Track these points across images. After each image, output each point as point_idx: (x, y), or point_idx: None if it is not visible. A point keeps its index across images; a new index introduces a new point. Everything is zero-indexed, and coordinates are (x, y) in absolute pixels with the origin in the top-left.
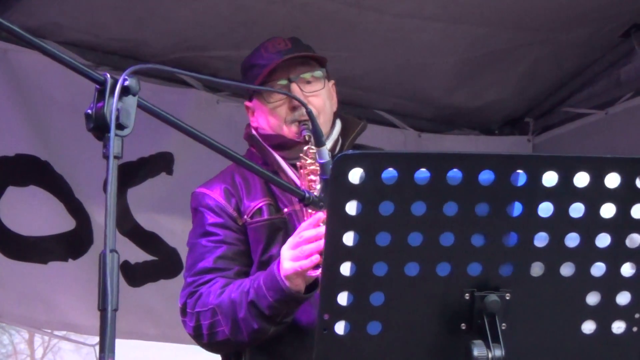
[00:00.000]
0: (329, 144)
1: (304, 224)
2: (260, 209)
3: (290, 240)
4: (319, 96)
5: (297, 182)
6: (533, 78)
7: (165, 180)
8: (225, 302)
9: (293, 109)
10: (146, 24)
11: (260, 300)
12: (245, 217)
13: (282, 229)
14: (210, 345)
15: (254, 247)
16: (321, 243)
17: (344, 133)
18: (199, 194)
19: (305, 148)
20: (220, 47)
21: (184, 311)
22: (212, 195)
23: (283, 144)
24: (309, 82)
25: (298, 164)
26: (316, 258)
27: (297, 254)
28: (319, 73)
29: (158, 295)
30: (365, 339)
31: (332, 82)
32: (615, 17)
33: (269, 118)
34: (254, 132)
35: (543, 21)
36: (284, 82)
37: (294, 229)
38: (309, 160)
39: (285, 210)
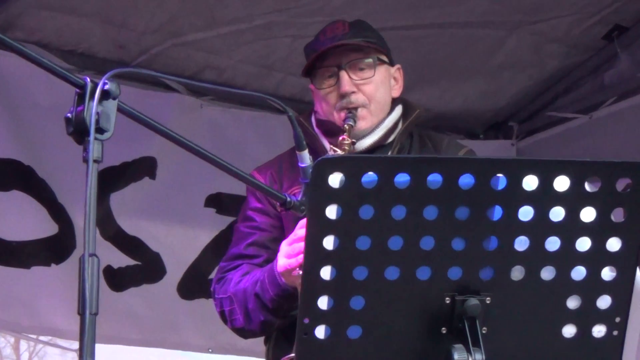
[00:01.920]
0: (379, 132)
1: (301, 222)
2: (294, 195)
3: (289, 237)
4: (370, 83)
5: None
6: (517, 83)
7: (148, 185)
8: (240, 291)
9: (342, 96)
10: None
11: (264, 294)
12: None
13: None
14: (234, 330)
15: (288, 232)
16: None
17: (404, 120)
18: (251, 176)
19: (340, 139)
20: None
21: (213, 296)
22: (259, 178)
23: (332, 130)
24: (361, 69)
25: (330, 152)
26: (302, 257)
27: (289, 251)
28: (369, 60)
29: (141, 300)
30: (346, 343)
31: (397, 66)
32: (600, 23)
33: (322, 103)
34: (312, 116)
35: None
36: (334, 68)
37: None
38: (338, 152)
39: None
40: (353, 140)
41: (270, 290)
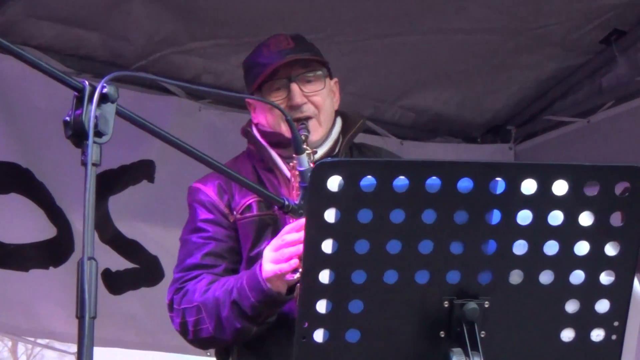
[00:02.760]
0: (328, 143)
1: (287, 227)
2: (249, 205)
3: (273, 242)
4: (320, 95)
5: (292, 179)
6: (515, 86)
7: (146, 188)
8: (209, 300)
9: (291, 107)
10: (125, 32)
11: (243, 301)
12: (236, 213)
13: (270, 225)
14: (195, 342)
15: (243, 243)
16: (301, 247)
17: (344, 131)
18: (194, 189)
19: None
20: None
21: (170, 307)
22: (206, 190)
23: (280, 142)
24: (309, 82)
25: (291, 163)
26: (295, 262)
27: (278, 257)
28: (319, 73)
29: (139, 303)
30: (344, 346)
31: (335, 80)
32: (598, 28)
33: (268, 116)
34: (252, 128)
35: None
36: (284, 81)
37: (284, 226)
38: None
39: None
40: (314, 150)
41: (251, 296)
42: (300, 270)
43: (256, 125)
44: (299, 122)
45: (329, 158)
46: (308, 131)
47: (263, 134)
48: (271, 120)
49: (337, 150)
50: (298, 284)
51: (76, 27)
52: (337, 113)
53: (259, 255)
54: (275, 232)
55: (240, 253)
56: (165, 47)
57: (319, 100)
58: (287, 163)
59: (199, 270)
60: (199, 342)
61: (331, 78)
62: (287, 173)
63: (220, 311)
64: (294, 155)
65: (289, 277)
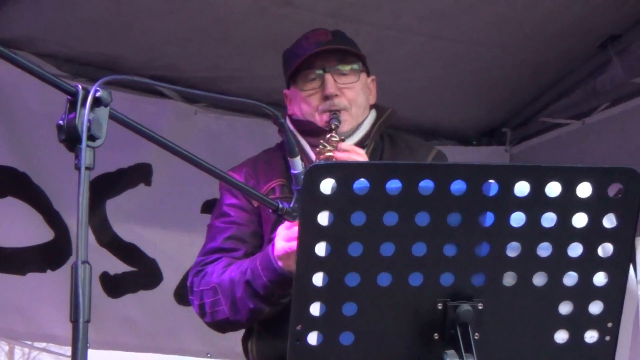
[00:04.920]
0: (359, 134)
1: None
2: (273, 188)
3: (286, 222)
4: (353, 89)
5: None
6: (510, 89)
7: (143, 192)
8: (225, 281)
9: (326, 98)
10: (122, 38)
11: (256, 280)
12: None
13: None
14: (213, 324)
15: (265, 226)
16: None
17: (376, 123)
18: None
19: (328, 136)
20: (197, 64)
21: (191, 290)
22: (234, 176)
23: (311, 130)
24: (344, 74)
25: (317, 149)
26: None
27: (290, 235)
28: (354, 66)
29: (138, 306)
30: (338, 349)
31: (372, 77)
32: (593, 31)
33: (302, 105)
34: (286, 119)
35: (522, 38)
36: (319, 71)
37: None
38: (328, 147)
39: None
40: (342, 137)
41: (263, 275)
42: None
43: (289, 116)
44: (330, 113)
45: (322, 161)
46: (339, 121)
47: (295, 123)
48: (306, 110)
49: (368, 141)
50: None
51: (72, 31)
52: (373, 106)
53: None
54: None
55: (262, 237)
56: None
57: (352, 93)
58: (314, 150)
59: (219, 253)
60: (216, 324)
61: (368, 74)
62: (314, 158)
63: (235, 292)
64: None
65: None
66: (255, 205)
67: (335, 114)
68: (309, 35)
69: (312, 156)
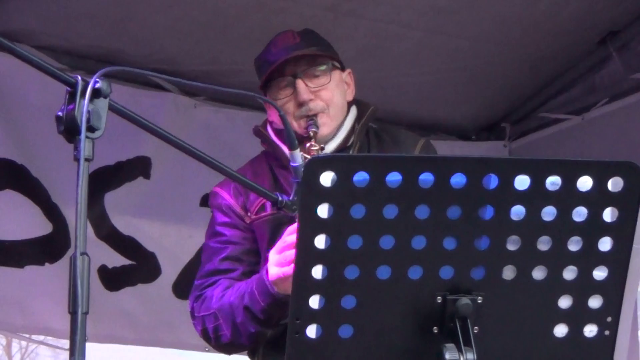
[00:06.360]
0: (341, 135)
1: (289, 228)
2: (263, 204)
3: (277, 245)
4: (326, 89)
5: None
6: (510, 84)
7: (142, 185)
8: (225, 306)
9: (300, 104)
10: (122, 31)
11: (254, 305)
12: (251, 214)
13: (285, 223)
14: (218, 347)
15: (260, 243)
16: None
17: (359, 119)
18: (213, 193)
19: (307, 145)
20: (197, 58)
21: (192, 315)
22: (222, 194)
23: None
24: (316, 76)
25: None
26: None
27: (281, 260)
28: (323, 67)
29: (136, 299)
30: (337, 342)
31: (348, 71)
32: (592, 27)
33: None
34: (267, 127)
35: (522, 34)
36: (290, 78)
37: None
38: (308, 157)
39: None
40: (321, 145)
41: (261, 301)
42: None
43: (270, 123)
44: (308, 119)
45: (322, 154)
46: (317, 127)
47: (277, 132)
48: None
49: (352, 139)
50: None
51: (71, 24)
52: (353, 102)
53: None
54: None
55: (259, 254)
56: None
57: (327, 94)
58: (305, 159)
59: (217, 275)
60: (222, 348)
61: (343, 69)
62: None
63: (235, 317)
64: (287, 151)
65: None
66: (247, 222)
67: (312, 118)
68: (277, 39)
69: None
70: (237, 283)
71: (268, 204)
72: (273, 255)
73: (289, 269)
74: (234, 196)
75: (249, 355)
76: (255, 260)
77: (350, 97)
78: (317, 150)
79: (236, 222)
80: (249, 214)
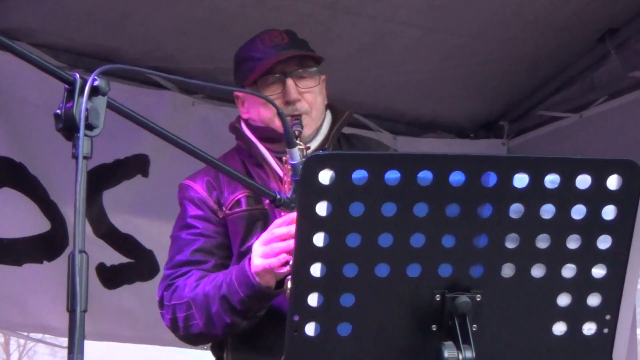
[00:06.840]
0: (319, 137)
1: (277, 221)
2: (238, 200)
3: (263, 237)
4: (311, 92)
5: (281, 174)
6: (508, 82)
7: (141, 182)
8: (199, 295)
9: (287, 103)
10: (120, 29)
11: (232, 295)
12: (225, 209)
13: (260, 220)
14: (186, 338)
15: (233, 238)
16: (291, 242)
17: (333, 123)
18: (184, 186)
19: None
20: (195, 56)
21: (161, 304)
22: (195, 187)
23: (272, 137)
24: (303, 78)
25: (283, 158)
26: (284, 257)
27: (267, 251)
28: (314, 70)
29: (134, 297)
30: (336, 340)
31: (323, 77)
32: (591, 24)
33: (261, 110)
34: (241, 124)
35: (520, 32)
36: (278, 75)
37: (274, 220)
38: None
39: (267, 201)
40: (307, 145)
41: (240, 291)
42: (291, 263)
43: (245, 120)
44: (293, 118)
45: (321, 151)
46: (301, 127)
47: (253, 129)
48: (265, 115)
49: (327, 144)
50: (287, 278)
51: (70, 22)
52: (327, 106)
53: (249, 250)
54: (265, 227)
55: (230, 249)
56: (161, 43)
57: (312, 97)
58: (276, 158)
59: (188, 266)
60: (190, 338)
61: (320, 75)
62: (277, 168)
63: (210, 306)
64: (286, 149)
65: (280, 270)
66: (220, 217)
67: (297, 118)
68: (264, 36)
69: (273, 163)
70: (212, 274)
71: (243, 200)
72: (258, 247)
73: (275, 261)
74: (207, 190)
75: (214, 350)
76: (226, 254)
77: (325, 102)
78: (302, 148)
79: (209, 215)
80: (223, 208)
